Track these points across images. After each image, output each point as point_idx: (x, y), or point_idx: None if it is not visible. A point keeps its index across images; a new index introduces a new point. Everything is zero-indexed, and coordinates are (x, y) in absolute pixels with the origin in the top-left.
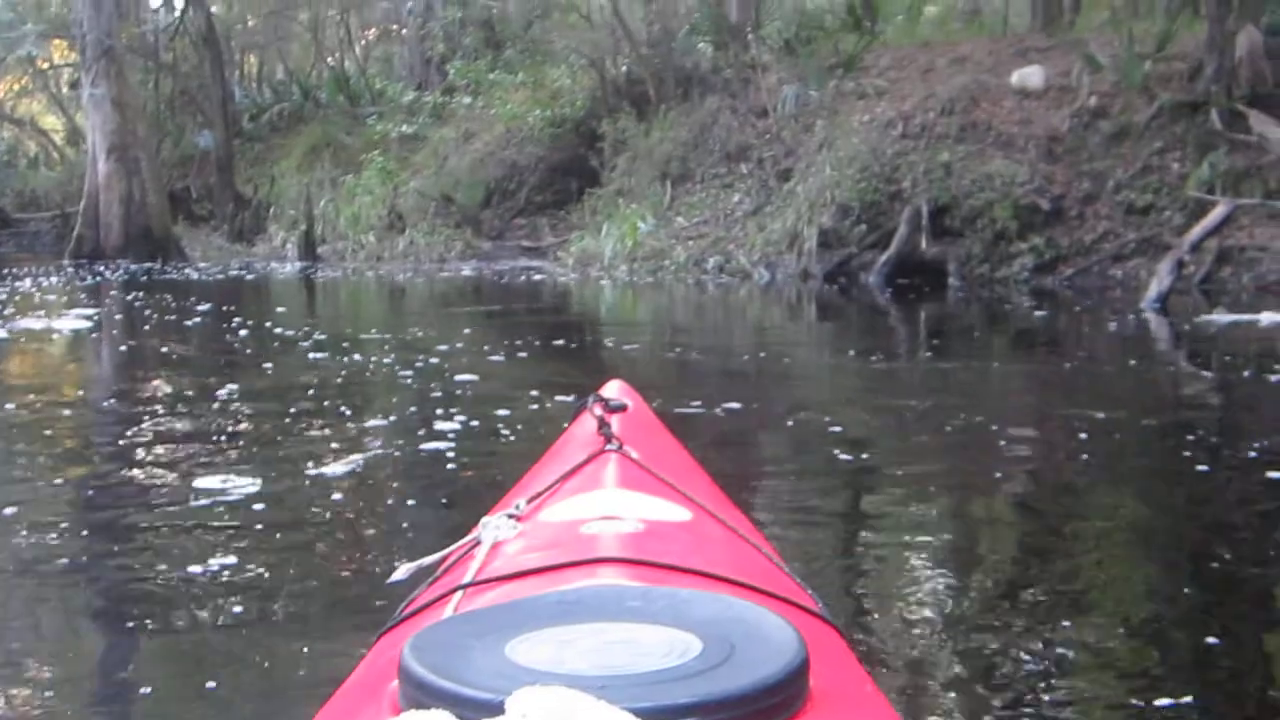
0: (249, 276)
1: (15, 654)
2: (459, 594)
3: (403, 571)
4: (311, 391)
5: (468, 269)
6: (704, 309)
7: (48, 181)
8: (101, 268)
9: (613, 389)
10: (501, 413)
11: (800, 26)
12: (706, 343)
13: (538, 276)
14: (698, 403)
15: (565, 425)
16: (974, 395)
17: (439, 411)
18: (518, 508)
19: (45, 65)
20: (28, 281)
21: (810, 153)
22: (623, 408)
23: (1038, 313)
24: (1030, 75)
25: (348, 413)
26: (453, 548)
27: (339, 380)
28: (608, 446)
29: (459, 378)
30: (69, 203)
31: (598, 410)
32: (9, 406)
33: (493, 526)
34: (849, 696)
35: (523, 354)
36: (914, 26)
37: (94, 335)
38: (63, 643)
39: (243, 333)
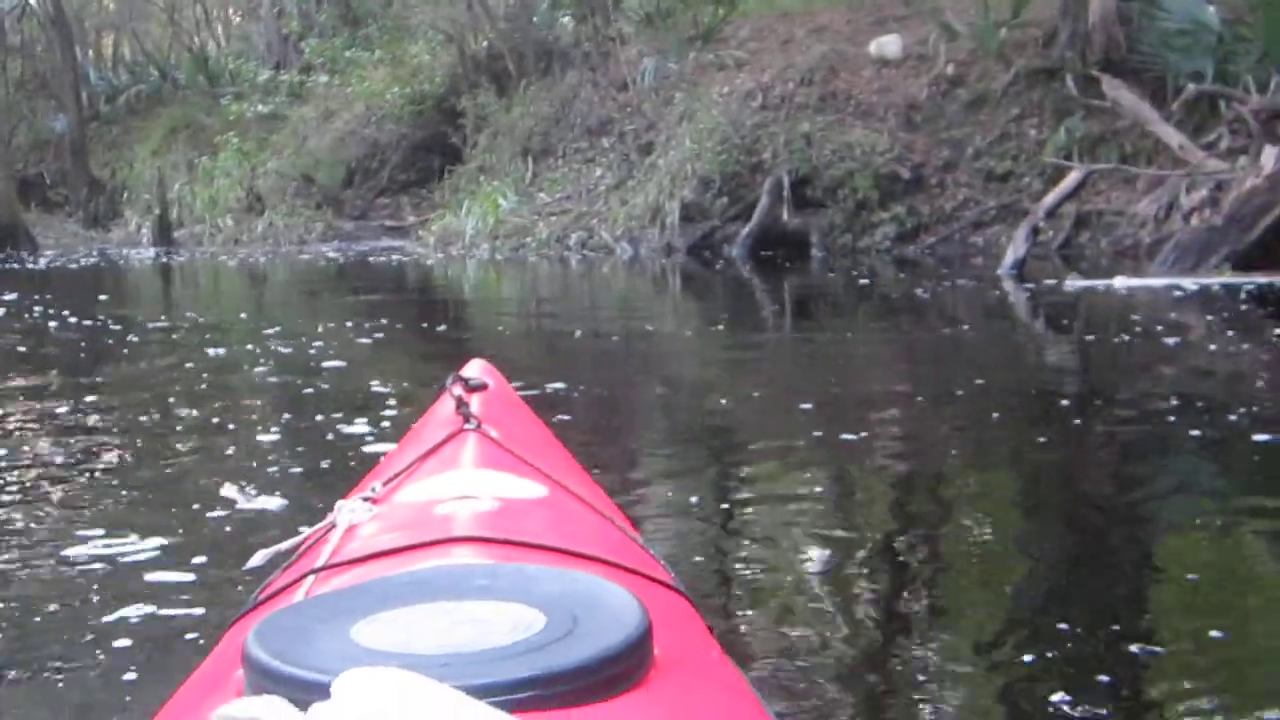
0: (101, 264)
1: None
2: (311, 578)
3: (259, 557)
4: (168, 384)
5: (329, 250)
6: (568, 286)
7: None
8: None
9: (474, 368)
10: (369, 398)
11: None
12: (571, 320)
13: (399, 257)
14: (562, 381)
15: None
16: (840, 365)
17: (303, 399)
18: (374, 490)
19: None
20: None
21: (671, 125)
22: (483, 386)
23: (900, 281)
24: (888, 44)
25: (209, 403)
26: (308, 532)
27: (198, 372)
28: (466, 426)
29: (326, 365)
30: None
31: (457, 390)
32: None
33: (348, 510)
34: (695, 664)
35: (388, 337)
36: None
37: None
38: None
39: (85, 323)
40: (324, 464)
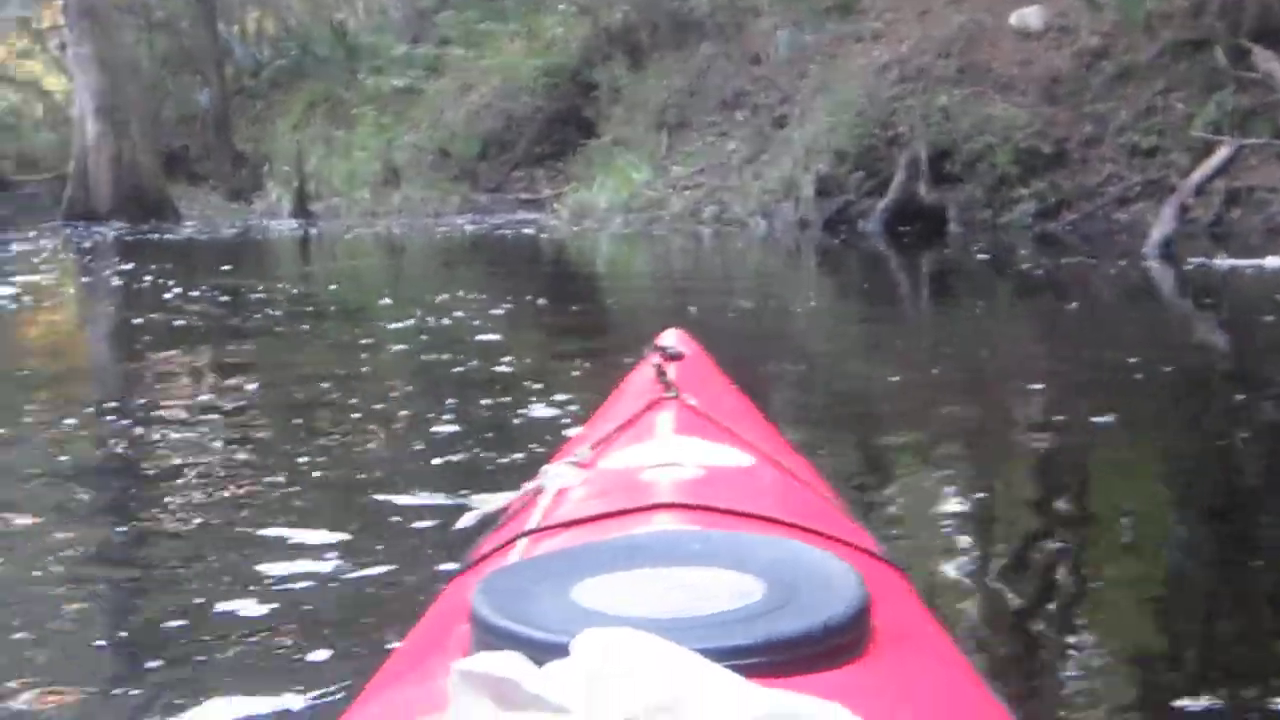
0: (242, 236)
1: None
2: (525, 540)
3: (469, 518)
4: (319, 361)
5: (464, 223)
6: (700, 260)
7: (48, 143)
8: (92, 229)
9: (670, 337)
10: (516, 372)
11: None
12: (704, 295)
13: (532, 230)
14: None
15: (624, 374)
16: (981, 343)
17: (451, 374)
18: (580, 455)
19: (44, 25)
20: (15, 247)
21: (806, 98)
22: (680, 355)
23: (1042, 258)
24: (1029, 15)
25: (360, 379)
26: (517, 494)
27: (347, 347)
28: (666, 394)
29: (469, 339)
30: (66, 164)
31: (655, 359)
32: None
33: (555, 474)
34: (912, 637)
35: (523, 311)
36: None
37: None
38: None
39: (225, 299)
40: (484, 435)
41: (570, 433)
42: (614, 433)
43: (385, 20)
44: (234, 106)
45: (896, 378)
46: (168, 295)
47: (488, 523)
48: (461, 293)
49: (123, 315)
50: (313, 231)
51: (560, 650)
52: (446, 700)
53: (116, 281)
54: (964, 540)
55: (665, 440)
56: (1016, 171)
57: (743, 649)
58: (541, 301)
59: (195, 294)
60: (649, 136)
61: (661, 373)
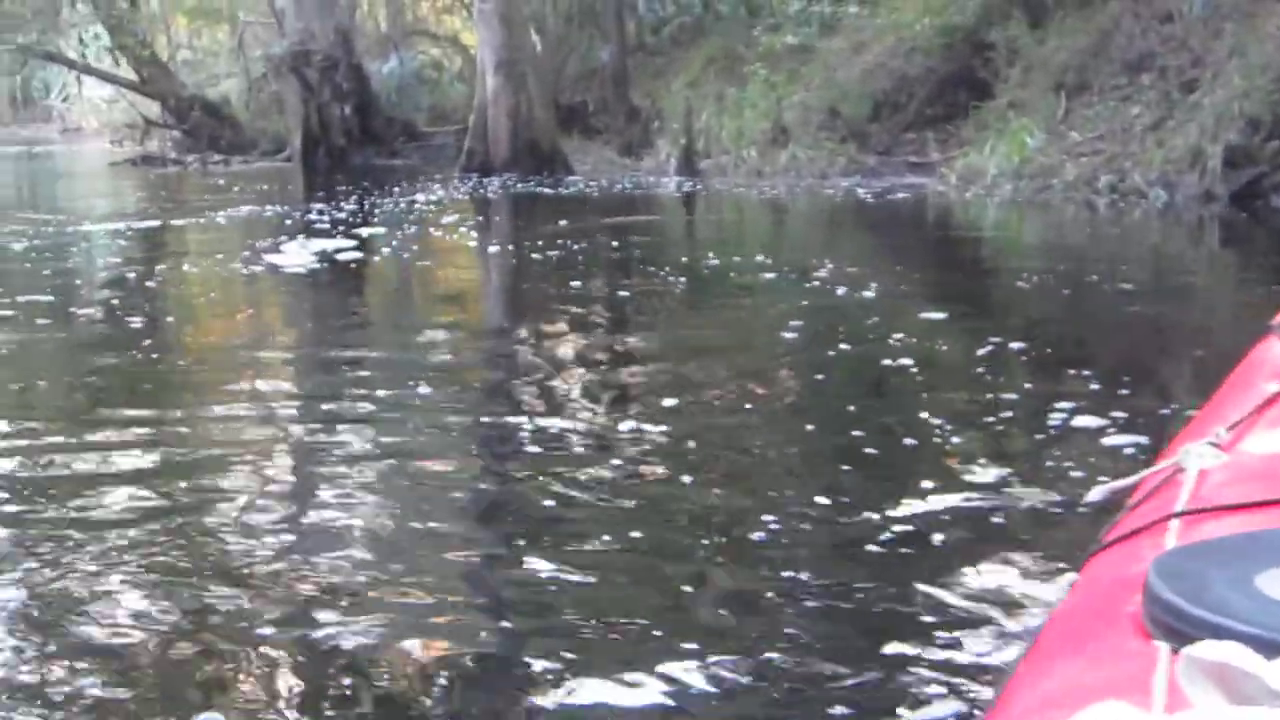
0: (627, 191)
1: None
2: (1176, 521)
3: (1098, 493)
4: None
5: (850, 184)
6: (1096, 233)
7: (461, 96)
8: (486, 180)
9: None
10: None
11: None
12: (1098, 275)
13: (920, 194)
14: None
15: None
16: None
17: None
18: (1218, 436)
19: None
20: (419, 196)
21: (1219, 61)
22: None
23: None
24: None
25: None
26: (1149, 472)
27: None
28: None
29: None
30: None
31: None
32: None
33: (1195, 454)
34: None
35: (909, 286)
36: None
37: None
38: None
39: (603, 253)
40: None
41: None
42: (1252, 414)
43: None
44: (635, 63)
45: None
46: (551, 252)
47: (1115, 500)
48: (854, 268)
49: (507, 272)
50: (698, 188)
51: (1271, 647)
52: (1131, 682)
53: (502, 234)
54: None
55: None
56: None
57: None
58: (915, 276)
59: (578, 248)
60: (1045, 100)
61: None
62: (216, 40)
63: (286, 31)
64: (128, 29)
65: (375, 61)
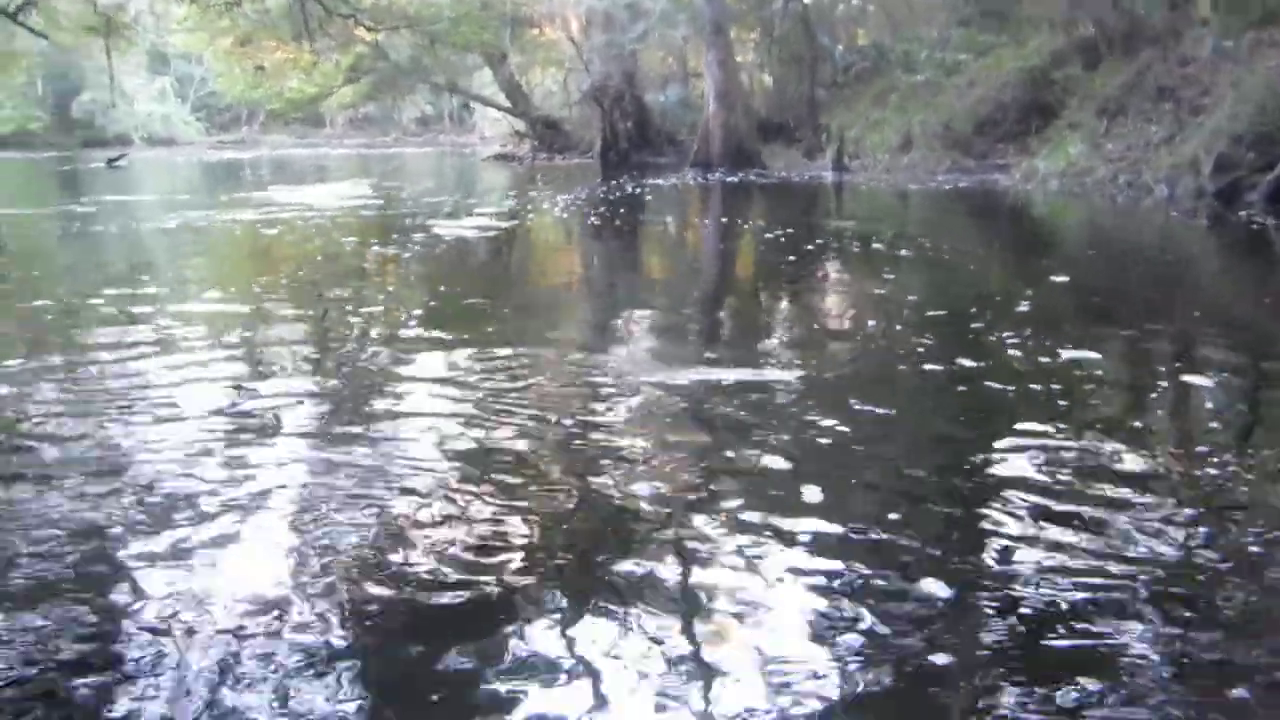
0: (796, 182)
1: None
2: None
3: None
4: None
5: (950, 179)
6: (1117, 220)
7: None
8: (706, 174)
9: None
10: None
11: None
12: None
13: (993, 186)
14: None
15: None
16: None
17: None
18: None
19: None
20: (661, 182)
21: (1222, 92)
22: None
23: None
24: None
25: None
26: None
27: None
28: None
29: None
30: None
31: None
32: None
33: None
34: None
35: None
36: None
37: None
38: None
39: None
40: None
41: None
42: None
43: (918, 34)
44: (829, 95)
45: None
46: (748, 222)
47: None
48: (949, 246)
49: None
50: (845, 178)
51: None
52: None
53: (713, 209)
54: None
55: None
56: None
57: None
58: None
59: (764, 225)
60: (1092, 121)
61: None
62: (556, 78)
63: (592, 74)
64: (506, 75)
65: (652, 92)
